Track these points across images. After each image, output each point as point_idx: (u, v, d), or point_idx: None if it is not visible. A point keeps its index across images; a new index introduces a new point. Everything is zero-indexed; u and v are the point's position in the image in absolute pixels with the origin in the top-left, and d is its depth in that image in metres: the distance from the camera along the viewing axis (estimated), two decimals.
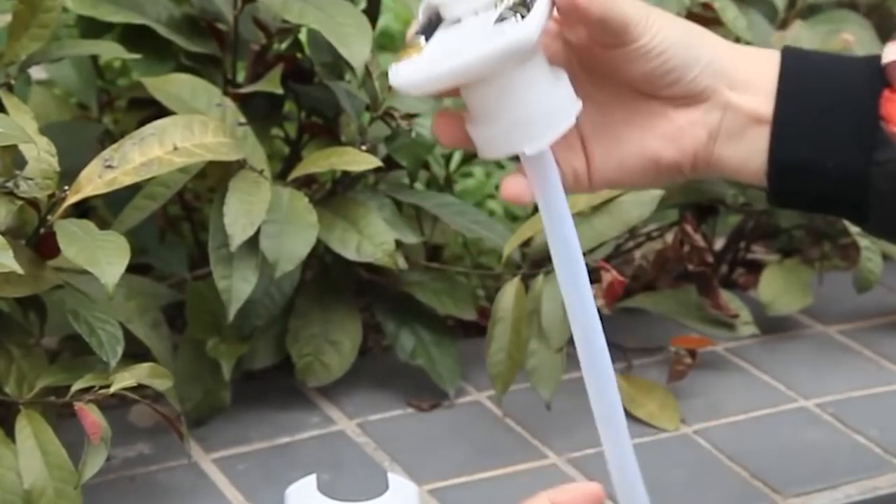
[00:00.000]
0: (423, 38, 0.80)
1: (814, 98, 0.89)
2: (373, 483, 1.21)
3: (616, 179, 0.91)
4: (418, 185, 1.50)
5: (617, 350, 1.40)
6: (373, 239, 1.25)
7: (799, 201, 0.92)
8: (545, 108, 0.81)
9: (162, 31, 1.29)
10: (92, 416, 1.05)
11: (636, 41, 0.86)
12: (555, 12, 0.82)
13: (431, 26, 0.81)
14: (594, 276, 1.23)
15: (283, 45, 1.36)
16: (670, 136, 0.89)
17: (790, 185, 0.90)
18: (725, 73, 0.89)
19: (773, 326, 1.48)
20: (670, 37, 0.87)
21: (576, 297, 0.83)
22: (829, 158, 0.89)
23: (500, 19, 0.78)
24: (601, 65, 0.88)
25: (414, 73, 0.78)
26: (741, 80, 0.89)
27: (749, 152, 0.90)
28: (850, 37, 1.44)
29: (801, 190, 0.91)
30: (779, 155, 0.89)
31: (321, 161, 1.26)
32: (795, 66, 0.90)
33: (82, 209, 1.26)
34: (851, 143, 0.89)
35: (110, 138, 1.35)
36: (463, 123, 0.83)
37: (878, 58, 0.89)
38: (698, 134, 0.89)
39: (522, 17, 0.78)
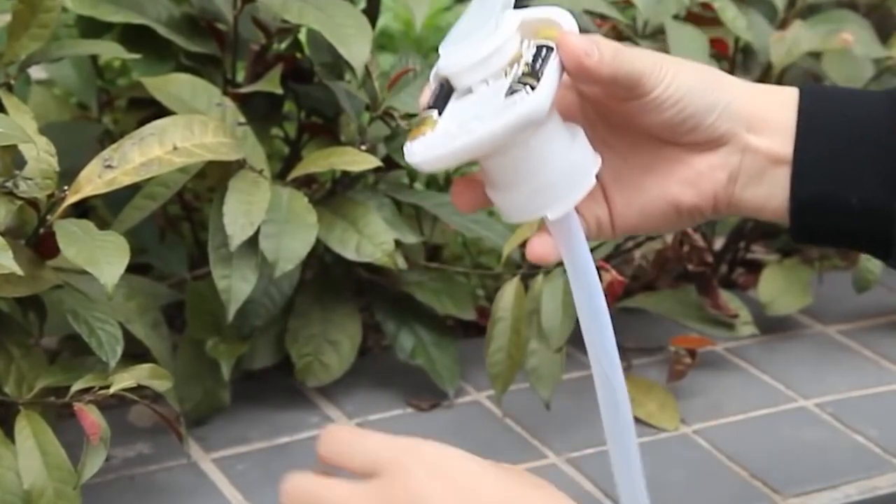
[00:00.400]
0: (435, 112, 0.80)
1: (834, 133, 0.88)
2: None
3: (638, 226, 0.90)
4: (418, 185, 1.50)
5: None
6: (372, 239, 1.25)
7: (822, 237, 0.91)
8: (564, 171, 0.81)
9: (162, 30, 1.29)
10: (91, 417, 1.05)
11: (650, 93, 0.85)
12: (565, 75, 0.82)
13: (443, 96, 0.81)
14: None
15: (283, 45, 1.36)
16: (690, 180, 0.89)
17: (812, 221, 0.89)
18: (743, 116, 0.88)
19: (772, 326, 1.48)
20: (684, 84, 0.86)
21: (601, 349, 0.83)
22: (851, 194, 0.88)
23: (511, 92, 0.78)
24: (617, 115, 0.87)
25: (429, 150, 0.79)
26: (759, 121, 0.88)
27: (770, 192, 0.89)
28: (850, 36, 1.44)
29: (824, 226, 0.89)
30: (800, 191, 0.88)
31: (321, 161, 1.26)
32: (814, 102, 0.89)
33: (82, 209, 1.26)
34: (874, 177, 0.88)
35: (110, 138, 1.35)
36: (481, 187, 0.83)
37: None
38: (718, 177, 0.89)
39: (532, 87, 0.78)
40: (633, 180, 0.89)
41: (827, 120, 0.89)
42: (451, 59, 0.80)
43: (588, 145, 0.83)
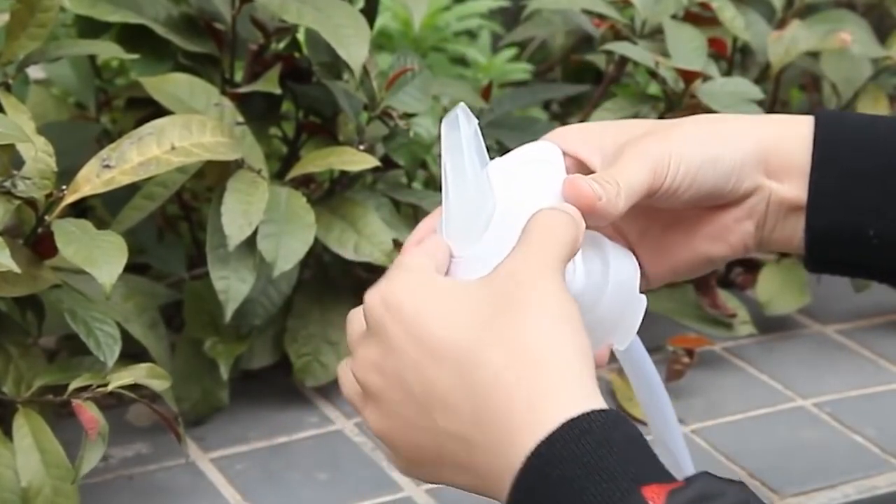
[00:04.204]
0: None
1: (850, 164, 0.87)
2: (371, 483, 1.21)
3: (672, 278, 0.91)
4: (416, 185, 1.50)
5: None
6: (371, 238, 1.25)
7: (837, 267, 0.91)
8: (616, 306, 0.84)
9: (160, 30, 1.29)
10: (89, 412, 1.05)
11: (661, 188, 0.84)
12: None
13: None
14: None
15: (281, 45, 1.36)
16: (718, 235, 0.88)
17: (828, 253, 0.89)
18: (761, 165, 0.87)
19: (770, 326, 1.48)
20: (693, 166, 0.85)
21: (672, 445, 0.85)
22: (868, 225, 0.87)
23: None
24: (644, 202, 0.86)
25: None
26: (777, 166, 0.87)
27: (794, 230, 0.89)
28: (848, 36, 1.44)
29: (840, 257, 0.89)
30: (815, 223, 0.88)
31: (319, 161, 1.26)
32: (829, 132, 0.88)
33: (80, 209, 1.26)
34: (891, 208, 0.87)
35: (108, 138, 1.35)
36: None
37: None
38: (745, 228, 0.88)
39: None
40: (660, 240, 0.89)
41: (842, 150, 0.87)
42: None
43: (630, 263, 0.84)
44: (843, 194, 0.87)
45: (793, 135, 0.88)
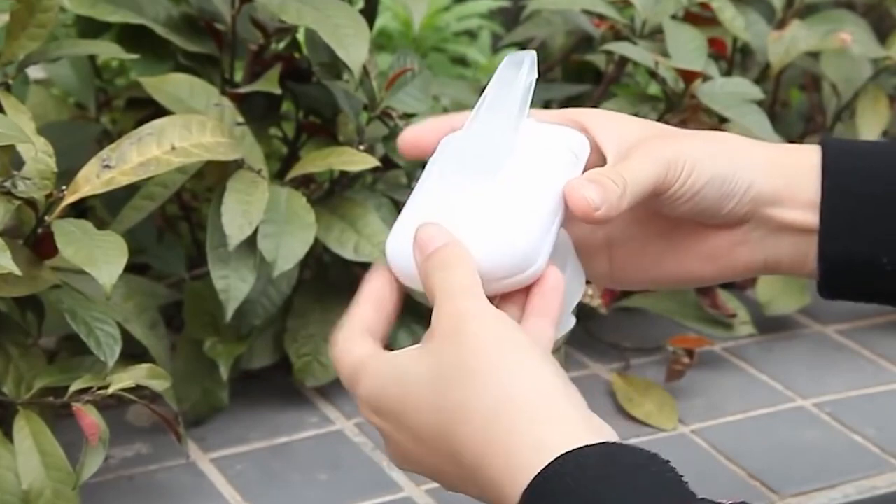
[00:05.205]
0: None
1: (861, 193, 0.87)
2: (371, 483, 1.21)
3: (646, 287, 0.90)
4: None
5: (615, 349, 1.40)
6: (371, 238, 1.25)
7: (852, 296, 0.90)
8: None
9: (160, 30, 1.29)
10: (90, 417, 1.05)
11: (667, 192, 0.84)
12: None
13: None
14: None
15: (281, 45, 1.36)
16: (709, 256, 0.87)
17: (842, 281, 0.88)
18: (766, 195, 0.87)
19: (770, 326, 1.48)
20: (702, 178, 0.84)
21: None
22: (882, 253, 0.86)
23: None
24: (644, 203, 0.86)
25: None
26: (784, 196, 0.87)
27: (806, 256, 0.88)
28: (848, 36, 1.44)
29: (854, 284, 0.88)
30: (829, 252, 0.87)
31: (319, 161, 1.26)
32: (839, 161, 0.87)
33: (80, 209, 1.26)
34: None
35: (108, 138, 1.34)
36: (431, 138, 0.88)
37: None
38: (739, 252, 0.87)
39: None
40: (648, 247, 0.88)
41: (853, 179, 0.87)
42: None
43: (572, 285, 0.84)
44: (855, 222, 0.86)
45: (801, 164, 0.88)
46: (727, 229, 0.87)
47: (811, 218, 0.86)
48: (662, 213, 0.87)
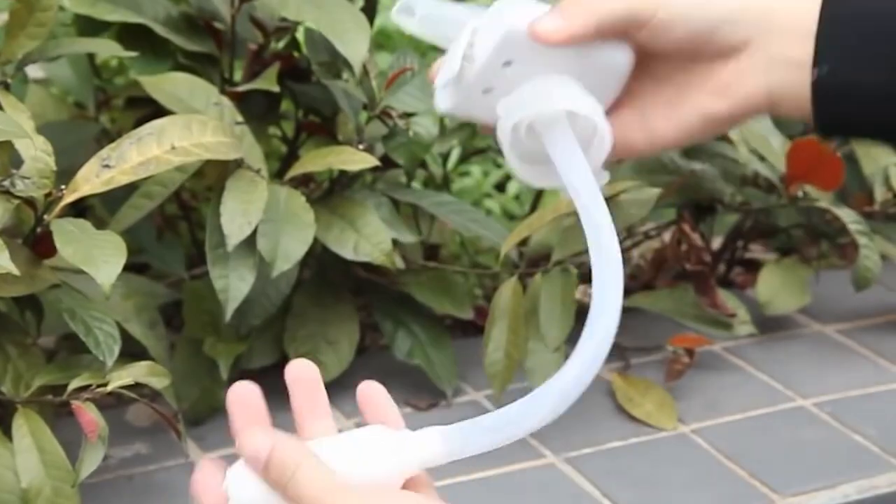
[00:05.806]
0: None
1: (859, 25, 0.87)
2: None
3: (678, 139, 0.91)
4: (415, 184, 1.50)
5: (615, 349, 1.40)
6: (370, 238, 1.25)
7: (847, 128, 0.90)
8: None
9: (159, 29, 1.29)
10: (89, 414, 1.05)
11: (649, 21, 0.86)
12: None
13: None
14: (591, 276, 1.22)
15: (281, 44, 1.35)
16: (720, 90, 0.88)
17: (837, 110, 0.88)
18: (761, 21, 0.87)
19: (770, 326, 1.48)
20: (682, 3, 0.86)
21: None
22: (877, 84, 0.86)
23: None
24: (637, 46, 0.88)
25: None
26: (780, 25, 0.87)
27: (802, 89, 0.87)
28: None
29: (849, 114, 0.88)
30: (822, 77, 0.87)
31: (318, 160, 1.26)
32: None
33: (79, 208, 1.26)
34: None
35: (107, 137, 1.34)
36: None
37: None
38: (747, 82, 0.88)
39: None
40: (669, 98, 0.90)
41: (853, 9, 0.88)
42: None
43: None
44: (850, 52, 0.87)
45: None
46: (730, 60, 0.88)
47: (808, 45, 0.87)
48: (666, 56, 0.88)
